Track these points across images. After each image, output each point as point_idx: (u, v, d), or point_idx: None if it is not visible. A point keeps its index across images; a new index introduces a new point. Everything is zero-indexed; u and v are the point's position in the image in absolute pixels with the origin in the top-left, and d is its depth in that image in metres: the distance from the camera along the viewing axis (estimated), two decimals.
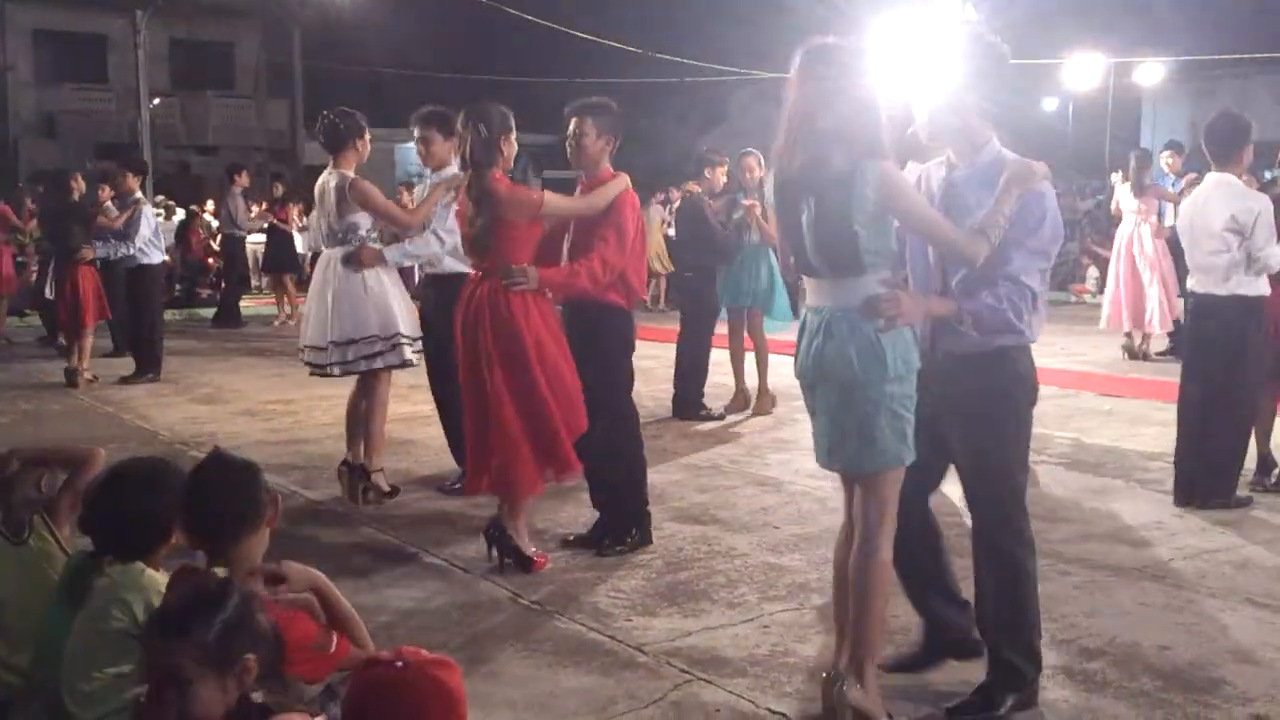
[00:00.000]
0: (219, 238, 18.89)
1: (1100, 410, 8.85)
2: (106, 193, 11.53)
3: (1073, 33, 27.61)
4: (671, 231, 18.75)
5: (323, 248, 6.53)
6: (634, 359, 5.47)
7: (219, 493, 2.92)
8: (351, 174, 6.21)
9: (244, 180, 15.70)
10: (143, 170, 12.21)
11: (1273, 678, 3.92)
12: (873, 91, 3.39)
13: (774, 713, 3.70)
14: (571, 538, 5.46)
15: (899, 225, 3.45)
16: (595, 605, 4.66)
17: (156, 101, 26.43)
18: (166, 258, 11.95)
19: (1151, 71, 29.11)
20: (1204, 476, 6.07)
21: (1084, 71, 27.71)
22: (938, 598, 3.89)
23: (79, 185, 11.32)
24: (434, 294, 6.36)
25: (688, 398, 8.67)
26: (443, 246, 6.24)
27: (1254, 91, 30.93)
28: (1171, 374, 10.66)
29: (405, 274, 6.89)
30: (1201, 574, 5.00)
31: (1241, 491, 6.17)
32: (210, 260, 19.88)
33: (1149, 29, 28.11)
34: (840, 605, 3.59)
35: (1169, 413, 8.67)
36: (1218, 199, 5.97)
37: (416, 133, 6.33)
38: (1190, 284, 6.26)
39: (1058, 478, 6.73)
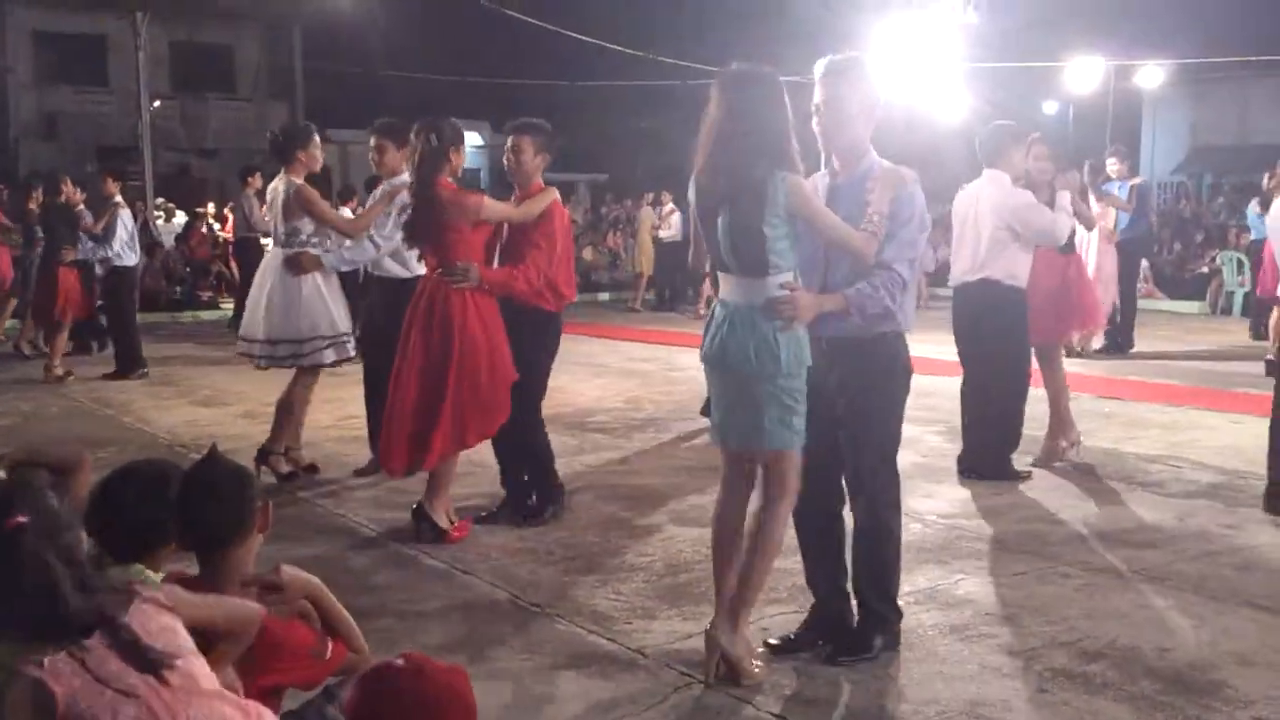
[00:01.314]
0: (227, 240, 18.85)
1: (1100, 413, 8.84)
2: (78, 195, 11.53)
3: (1073, 36, 27.63)
4: (662, 233, 18.76)
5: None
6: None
7: (208, 500, 2.89)
8: (299, 181, 6.66)
9: (257, 182, 15.67)
10: (121, 175, 12.35)
11: (1273, 680, 3.92)
12: (787, 112, 3.81)
13: (774, 715, 3.69)
14: (484, 515, 5.88)
15: (802, 229, 3.85)
16: (595, 608, 4.66)
17: (157, 104, 26.42)
18: (144, 258, 12.04)
19: (1152, 75, 29.13)
20: None
21: (1084, 75, 27.71)
22: (825, 579, 4.28)
23: (68, 188, 11.37)
24: (376, 295, 6.88)
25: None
26: (378, 252, 6.62)
27: (1253, 95, 30.99)
28: (1168, 375, 10.70)
29: (346, 275, 7.41)
30: (1202, 577, 5.00)
31: None
32: (213, 262, 19.86)
33: (1149, 32, 28.13)
34: (719, 570, 4.00)
35: (1169, 415, 8.71)
36: None
37: (372, 141, 6.76)
38: None
39: (1057, 480, 6.73)
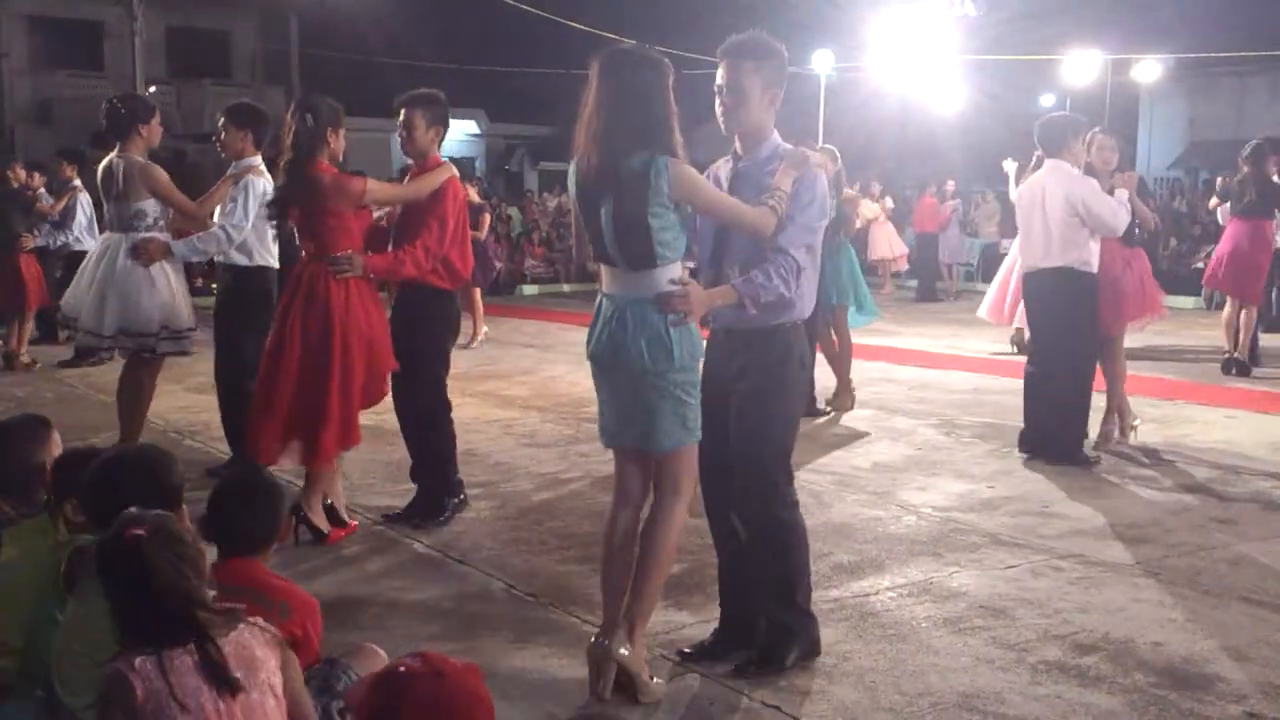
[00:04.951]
0: None
1: (1094, 407, 8.84)
2: (39, 180, 11.42)
3: (1071, 29, 27.58)
4: None
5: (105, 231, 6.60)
6: None
7: (245, 509, 3.03)
8: (141, 158, 6.27)
9: None
10: (79, 159, 12.09)
11: (1266, 675, 3.93)
12: (670, 96, 3.62)
13: (767, 705, 3.70)
14: (392, 514, 5.74)
15: (694, 214, 3.74)
16: (589, 597, 4.65)
17: (152, 89, 26.29)
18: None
19: (1149, 69, 29.07)
20: None
21: (1082, 68, 27.68)
22: (731, 583, 4.11)
23: (18, 174, 11.23)
24: (225, 284, 6.65)
25: None
26: (230, 242, 6.32)
27: (1252, 89, 30.95)
28: (1162, 370, 10.70)
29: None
30: (1196, 570, 5.00)
31: None
32: None
33: (1147, 26, 28.09)
34: (609, 576, 3.82)
35: (1163, 410, 8.71)
36: None
37: (220, 122, 6.51)
38: None
39: (1052, 474, 6.73)
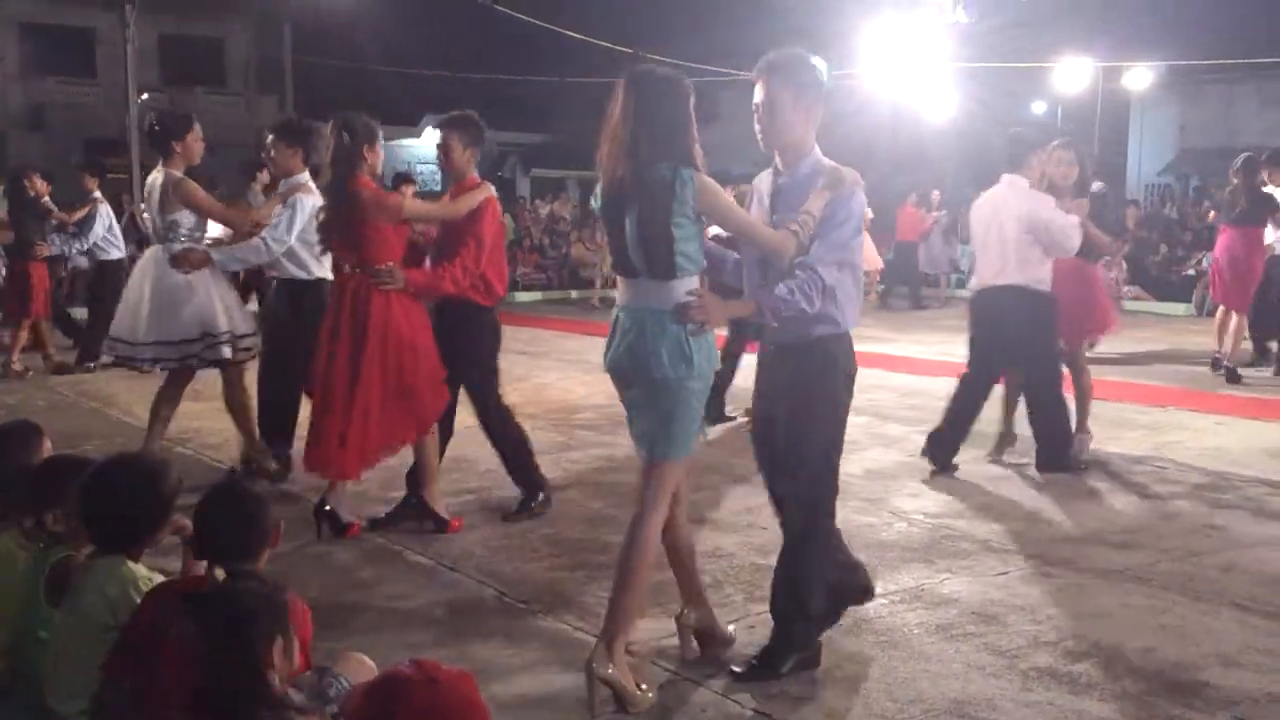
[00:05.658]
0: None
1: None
2: (44, 188, 11.45)
3: (1062, 37, 27.68)
4: None
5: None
6: None
7: (232, 518, 2.98)
8: (178, 173, 6.46)
9: (264, 178, 15.61)
10: (101, 171, 12.16)
11: (1256, 681, 3.94)
12: (691, 113, 3.73)
13: (759, 713, 3.70)
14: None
15: (723, 229, 3.93)
16: (581, 604, 4.66)
17: (145, 96, 26.31)
18: (133, 249, 11.90)
19: (1140, 76, 29.21)
20: None
21: (1073, 76, 27.79)
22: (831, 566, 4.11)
23: (34, 183, 11.27)
24: (279, 297, 6.77)
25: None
26: (270, 254, 6.45)
27: (1241, 97, 31.09)
28: (1152, 376, 10.74)
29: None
30: (1187, 577, 5.01)
31: None
32: None
33: (1138, 34, 28.20)
34: (679, 578, 4.09)
35: (1153, 416, 8.74)
36: None
37: (268, 139, 6.69)
38: None
39: (1041, 480, 6.75)
